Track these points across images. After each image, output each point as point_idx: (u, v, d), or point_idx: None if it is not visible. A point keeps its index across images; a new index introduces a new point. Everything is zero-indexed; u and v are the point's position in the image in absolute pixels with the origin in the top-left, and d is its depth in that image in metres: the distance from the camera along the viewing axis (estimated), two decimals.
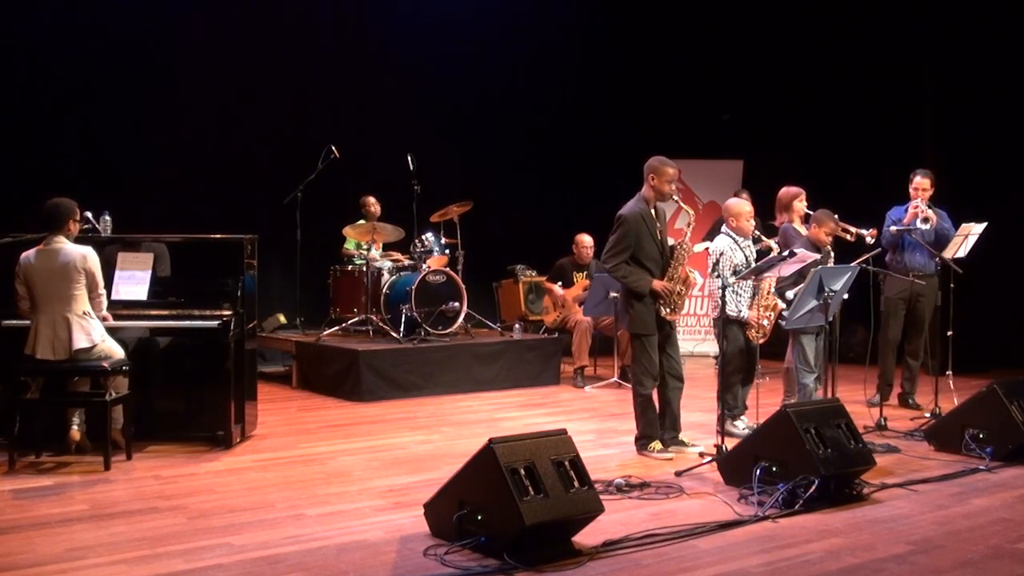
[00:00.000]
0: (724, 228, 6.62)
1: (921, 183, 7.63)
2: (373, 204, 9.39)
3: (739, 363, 6.57)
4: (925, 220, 7.50)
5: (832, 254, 6.72)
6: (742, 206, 6.61)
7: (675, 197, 6.06)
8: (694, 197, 11.00)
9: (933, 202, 7.74)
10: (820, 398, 6.43)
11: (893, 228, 7.59)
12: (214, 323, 6.19)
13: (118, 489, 5.26)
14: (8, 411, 5.79)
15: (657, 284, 5.91)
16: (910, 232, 7.55)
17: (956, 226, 7.66)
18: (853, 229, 7.26)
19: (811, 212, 6.87)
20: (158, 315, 6.31)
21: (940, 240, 7.55)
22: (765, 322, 6.47)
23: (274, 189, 9.54)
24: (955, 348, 7.53)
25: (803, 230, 6.88)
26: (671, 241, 6.19)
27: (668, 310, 5.95)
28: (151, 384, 6.40)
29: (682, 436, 6.16)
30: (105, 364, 5.71)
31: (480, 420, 7.35)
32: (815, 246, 6.55)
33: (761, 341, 6.53)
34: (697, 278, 6.22)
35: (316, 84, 10.62)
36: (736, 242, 6.52)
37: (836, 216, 7.17)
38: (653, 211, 6.03)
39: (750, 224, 6.56)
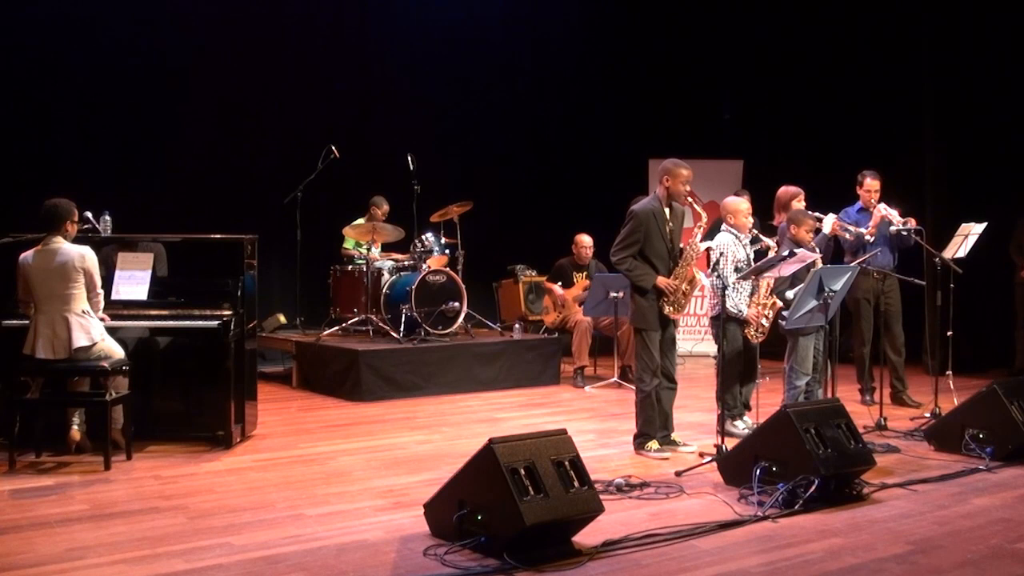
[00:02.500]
0: (724, 226, 6.64)
1: (872, 184, 7.63)
2: (382, 207, 9.28)
3: (738, 363, 6.57)
4: (904, 222, 7.48)
5: (820, 252, 6.71)
6: (739, 203, 6.65)
7: (690, 200, 6.07)
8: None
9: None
10: (820, 398, 6.44)
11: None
12: (214, 323, 6.19)
13: (118, 489, 5.26)
14: (8, 411, 5.79)
15: (661, 280, 5.93)
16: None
17: (953, 224, 7.65)
18: (852, 228, 7.26)
19: None
20: (158, 315, 6.31)
21: (901, 239, 7.56)
22: (764, 321, 6.48)
23: (274, 189, 9.54)
24: (955, 348, 7.53)
25: None
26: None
27: (671, 308, 5.96)
28: (151, 384, 6.40)
29: (673, 436, 6.18)
30: (105, 364, 5.72)
31: (480, 420, 7.35)
32: (798, 246, 6.53)
33: (760, 340, 6.54)
34: (702, 279, 6.24)
35: (316, 84, 10.62)
36: (737, 239, 6.54)
37: (836, 216, 7.17)
38: (668, 211, 6.04)
39: (748, 221, 6.60)
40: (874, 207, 7.50)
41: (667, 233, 6.02)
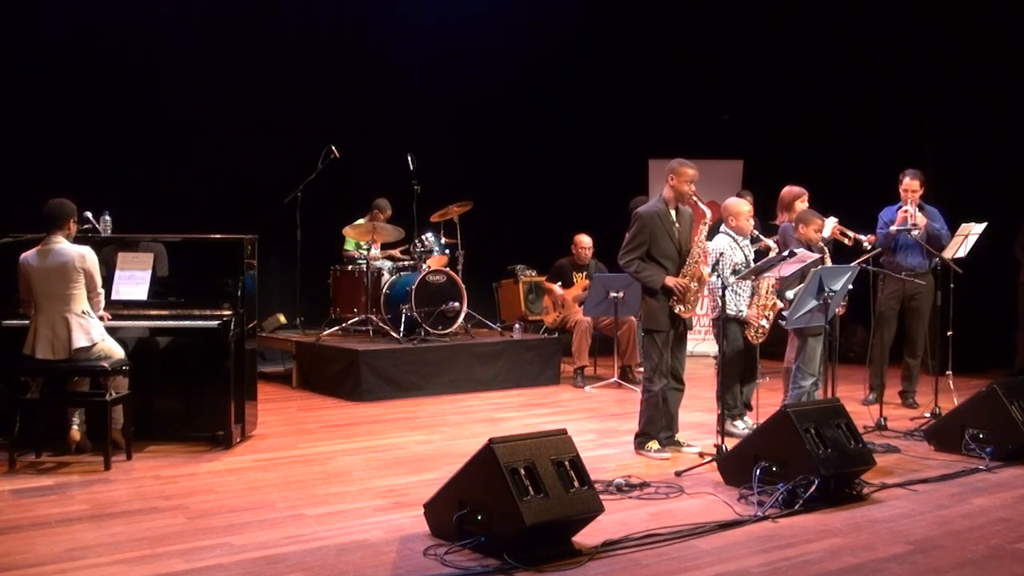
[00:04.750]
0: (723, 227, 6.64)
1: (911, 184, 7.60)
2: (386, 211, 9.28)
3: (739, 363, 6.57)
4: (915, 226, 7.48)
5: (827, 251, 6.72)
6: (740, 205, 6.63)
7: (695, 198, 6.06)
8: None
9: (928, 200, 7.74)
10: (820, 398, 6.44)
11: (893, 228, 7.59)
12: (214, 323, 6.19)
13: (118, 489, 5.26)
14: (8, 411, 5.79)
15: (670, 280, 5.93)
16: (909, 233, 7.55)
17: (953, 224, 7.66)
18: (851, 234, 7.26)
19: None
20: (158, 315, 6.31)
21: (932, 241, 7.55)
22: (764, 322, 6.48)
23: (274, 189, 9.54)
24: (955, 348, 7.53)
25: None
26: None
27: (681, 307, 5.96)
28: (151, 384, 6.39)
29: (678, 436, 6.18)
30: (105, 364, 5.71)
31: (480, 420, 7.35)
32: (808, 246, 6.55)
33: (759, 341, 6.54)
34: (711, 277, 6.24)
35: (316, 84, 10.62)
36: (735, 241, 6.53)
37: (837, 219, 7.18)
38: (674, 212, 6.05)
39: (749, 223, 6.58)
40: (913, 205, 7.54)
41: (674, 234, 6.02)
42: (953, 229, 7.68)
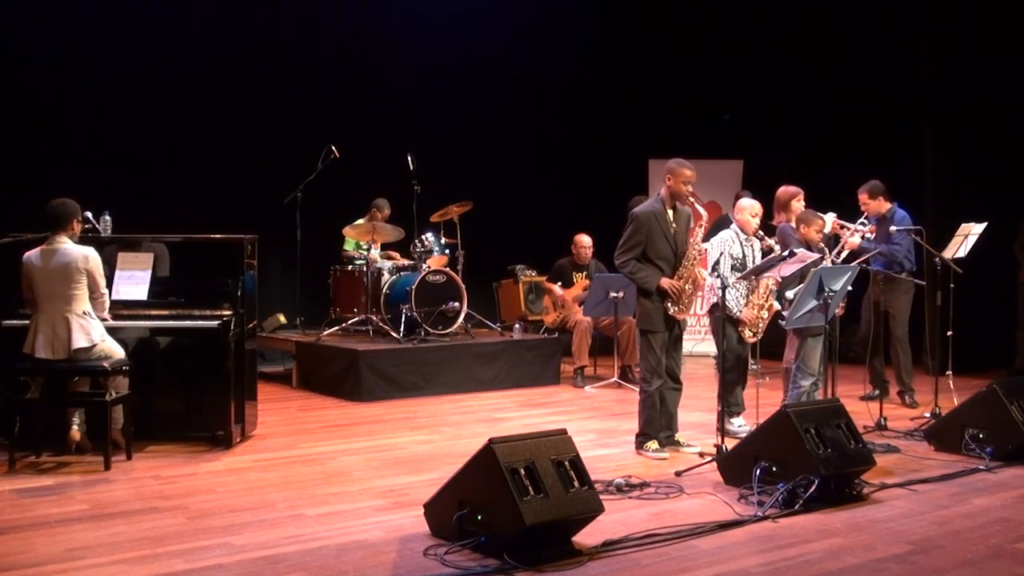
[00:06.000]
0: (733, 225, 6.69)
1: (861, 197, 7.68)
2: (384, 210, 9.31)
3: (735, 362, 6.58)
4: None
5: (827, 252, 6.72)
6: (744, 202, 6.69)
7: (691, 199, 6.06)
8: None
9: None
10: (820, 398, 6.44)
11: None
12: (214, 323, 6.19)
13: (118, 489, 5.26)
14: (8, 411, 5.79)
15: (665, 282, 5.93)
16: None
17: (953, 224, 7.65)
18: (851, 227, 7.26)
19: None
20: (158, 315, 6.31)
21: (887, 259, 7.53)
22: (760, 323, 6.48)
23: (274, 189, 9.54)
24: (955, 348, 7.53)
25: None
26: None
27: (676, 308, 5.96)
28: (151, 384, 6.39)
29: (678, 436, 6.19)
30: (105, 364, 5.71)
31: (480, 420, 7.35)
32: (808, 246, 6.55)
33: (752, 340, 6.54)
34: (707, 277, 6.25)
35: (316, 84, 10.62)
36: (737, 236, 6.57)
37: (836, 214, 7.18)
38: (671, 212, 6.04)
39: (751, 220, 6.61)
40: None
41: (671, 234, 6.01)
42: (953, 229, 7.69)
